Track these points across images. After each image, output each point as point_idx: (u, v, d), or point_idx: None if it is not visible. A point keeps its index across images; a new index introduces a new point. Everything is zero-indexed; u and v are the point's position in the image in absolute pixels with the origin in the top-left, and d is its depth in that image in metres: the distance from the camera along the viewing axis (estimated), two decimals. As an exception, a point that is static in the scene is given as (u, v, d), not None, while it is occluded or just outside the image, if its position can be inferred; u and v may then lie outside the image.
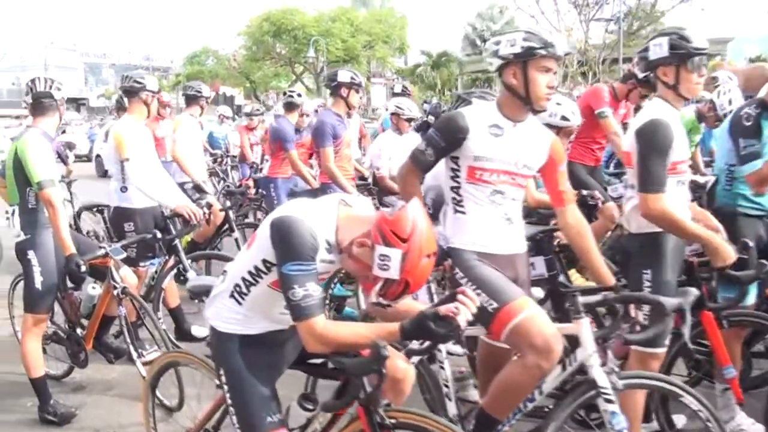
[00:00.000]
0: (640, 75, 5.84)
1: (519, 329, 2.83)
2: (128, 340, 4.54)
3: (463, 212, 3.11)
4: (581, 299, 2.87)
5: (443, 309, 2.25)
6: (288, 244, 2.29)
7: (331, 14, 41.99)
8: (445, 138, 3.07)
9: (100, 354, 4.78)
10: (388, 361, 2.29)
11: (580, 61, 29.62)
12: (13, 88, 64.57)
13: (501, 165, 3.06)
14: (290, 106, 7.68)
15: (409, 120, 6.69)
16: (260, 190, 7.90)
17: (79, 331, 4.70)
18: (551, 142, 3.21)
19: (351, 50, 40.75)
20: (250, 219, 8.34)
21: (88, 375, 4.93)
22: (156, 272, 5.34)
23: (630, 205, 3.43)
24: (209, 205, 5.48)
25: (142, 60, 65.91)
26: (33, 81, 4.43)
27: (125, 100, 5.52)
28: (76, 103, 63.98)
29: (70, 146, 27.31)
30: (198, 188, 6.51)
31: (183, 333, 5.57)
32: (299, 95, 7.84)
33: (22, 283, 4.89)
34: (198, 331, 5.60)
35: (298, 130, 7.78)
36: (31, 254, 4.29)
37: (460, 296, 2.31)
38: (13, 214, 4.33)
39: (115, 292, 4.38)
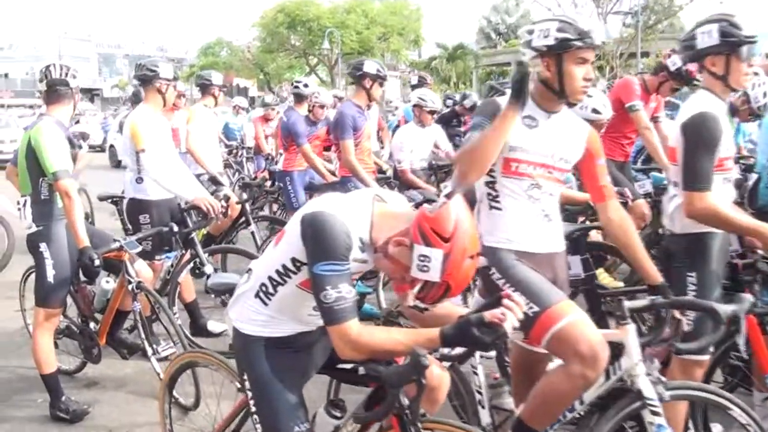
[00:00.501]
0: (672, 67, 5.66)
1: (562, 335, 2.65)
2: (143, 336, 4.39)
3: (498, 208, 2.93)
4: (628, 304, 2.68)
5: (488, 314, 2.08)
6: (320, 243, 2.13)
7: (346, 6, 41.72)
8: (491, 120, 2.87)
9: (114, 349, 4.64)
10: None
11: (597, 55, 29.21)
12: (27, 77, 64.81)
13: (537, 157, 2.89)
14: (298, 98, 7.52)
15: (432, 112, 6.50)
16: (277, 183, 7.73)
17: (92, 325, 4.56)
18: (588, 134, 3.03)
19: (366, 42, 40.49)
20: (265, 212, 8.19)
21: (100, 371, 4.79)
22: (172, 266, 5.18)
23: (674, 204, 3.25)
24: (227, 198, 5.32)
25: (156, 51, 66.00)
26: (48, 68, 4.28)
27: (142, 90, 5.37)
28: (90, 93, 64.13)
29: (83, 136, 27.35)
30: (214, 180, 6.36)
31: (198, 328, 5.43)
32: (306, 85, 7.66)
33: (33, 276, 4.79)
34: (214, 326, 5.46)
35: (314, 123, 7.60)
36: (43, 247, 4.15)
37: (505, 300, 2.14)
38: (24, 204, 4.19)
39: (129, 287, 4.23)
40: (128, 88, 59.42)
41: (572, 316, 2.68)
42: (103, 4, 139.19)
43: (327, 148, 8.09)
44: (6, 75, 62.24)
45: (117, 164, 20.22)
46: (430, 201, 5.64)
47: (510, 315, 2.08)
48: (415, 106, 6.47)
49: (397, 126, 11.09)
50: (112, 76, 70.57)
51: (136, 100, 9.10)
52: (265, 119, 10.50)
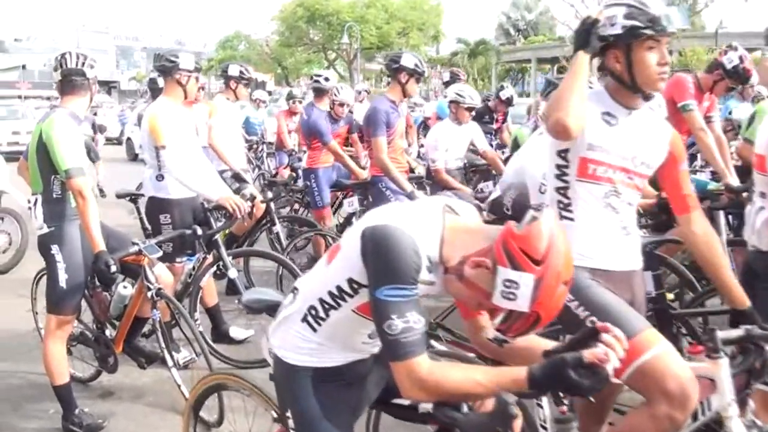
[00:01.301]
0: (729, 65, 5.29)
1: (647, 370, 2.29)
2: (162, 345, 4.07)
3: (571, 218, 2.58)
4: (721, 335, 2.33)
5: (588, 354, 1.72)
6: (385, 263, 1.79)
7: (366, 0, 41.39)
8: None
9: (131, 358, 4.32)
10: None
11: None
12: (45, 69, 64.90)
13: (617, 159, 2.55)
14: (319, 92, 7.13)
15: (470, 109, 6.14)
16: (303, 181, 7.39)
17: (108, 332, 4.24)
18: (671, 136, 2.68)
19: (385, 37, 40.22)
20: (285, 211, 7.85)
21: (117, 380, 4.47)
22: (193, 269, 4.86)
23: (761, 217, 2.90)
24: (253, 197, 4.99)
25: (174, 44, 66.03)
26: (63, 56, 3.97)
27: (159, 81, 5.06)
28: (108, 86, 64.22)
29: (101, 129, 27.42)
30: (237, 177, 6.04)
31: (220, 334, 5.11)
32: (326, 79, 7.26)
33: (45, 279, 4.51)
34: (237, 332, 5.16)
35: (335, 120, 7.23)
36: (55, 249, 3.83)
37: (605, 336, 1.78)
38: (35, 204, 3.87)
39: (149, 294, 3.91)
40: (146, 80, 59.67)
41: (658, 348, 2.32)
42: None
43: (345, 145, 7.75)
44: (24, 66, 62.26)
45: (134, 157, 20.09)
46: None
47: (612, 354, 1.74)
48: (451, 102, 6.10)
49: (423, 123, 10.77)
50: (129, 68, 70.58)
51: (153, 92, 8.81)
52: (291, 113, 10.06)
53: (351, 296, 1.94)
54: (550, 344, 1.97)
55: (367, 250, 1.83)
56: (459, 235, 1.87)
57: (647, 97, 2.57)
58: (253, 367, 4.70)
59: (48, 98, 50.26)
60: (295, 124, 9.90)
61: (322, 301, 2.01)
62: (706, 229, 2.66)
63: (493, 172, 6.65)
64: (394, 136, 5.39)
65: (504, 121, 9.62)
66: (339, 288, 1.95)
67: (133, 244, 3.87)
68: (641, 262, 2.72)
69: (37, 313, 4.83)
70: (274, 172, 10.09)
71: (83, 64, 3.94)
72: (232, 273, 4.63)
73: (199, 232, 4.38)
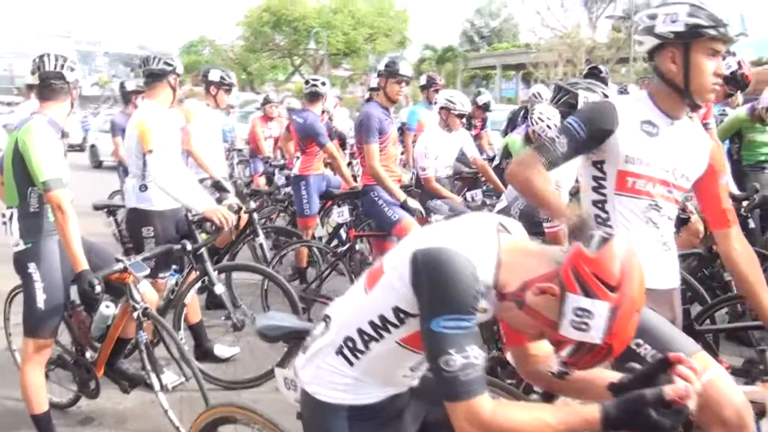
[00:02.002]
0: (727, 71, 5.18)
1: (703, 397, 2.12)
2: (148, 367, 3.80)
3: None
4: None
5: (670, 390, 1.54)
6: (442, 290, 1.58)
7: (333, 6, 41.16)
8: (588, 128, 2.39)
9: (113, 381, 4.04)
10: None
11: (587, 60, 29.02)
12: (5, 74, 63.49)
13: (657, 172, 2.41)
14: (314, 96, 6.87)
15: (461, 115, 5.95)
16: (286, 189, 7.12)
17: (88, 354, 3.97)
18: (712, 147, 2.54)
19: (352, 43, 40.01)
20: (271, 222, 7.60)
21: (97, 405, 4.18)
22: (176, 284, 4.59)
23: None
24: (240, 209, 4.75)
25: (137, 49, 64.84)
26: (41, 58, 3.70)
27: (128, 85, 4.80)
28: (69, 91, 62.88)
29: (63, 135, 26.26)
30: (218, 186, 5.78)
31: (204, 352, 4.85)
32: (323, 83, 7.03)
33: (20, 297, 4.20)
34: (221, 350, 4.91)
35: None
36: (32, 267, 3.56)
37: (680, 368, 1.60)
38: (10, 218, 3.59)
39: (134, 314, 3.64)
40: (109, 85, 58.61)
41: (711, 372, 2.16)
42: (84, 0, 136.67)
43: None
44: (-18, 71, 61.09)
45: (98, 164, 19.61)
46: (458, 213, 5.16)
47: (691, 389, 1.56)
48: (442, 108, 5.91)
49: (400, 129, 10.55)
50: (91, 74, 69.26)
51: (124, 95, 8.50)
52: (267, 119, 9.71)
53: (396, 327, 1.73)
54: (611, 375, 1.78)
55: (419, 276, 1.62)
56: (518, 258, 1.67)
57: (694, 107, 2.43)
58: (244, 388, 4.49)
59: (9, 104, 49.20)
60: (270, 131, 9.62)
61: (361, 332, 1.79)
62: (744, 244, 2.52)
63: (483, 180, 6.49)
64: (387, 144, 5.20)
65: (483, 127, 9.46)
66: (382, 318, 1.74)
67: (117, 261, 3.60)
68: (679, 278, 2.56)
69: (10, 334, 4.53)
70: (248, 180, 9.78)
71: (62, 66, 3.67)
72: (219, 289, 4.37)
73: (189, 247, 4.13)
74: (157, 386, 3.79)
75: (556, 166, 2.50)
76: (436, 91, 8.18)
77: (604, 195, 2.43)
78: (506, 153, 6.27)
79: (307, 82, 6.99)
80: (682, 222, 4.50)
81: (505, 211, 3.89)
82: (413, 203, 5.05)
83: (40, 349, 3.63)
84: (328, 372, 1.86)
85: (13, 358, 4.49)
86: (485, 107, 9.01)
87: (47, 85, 3.67)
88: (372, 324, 1.77)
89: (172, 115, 4.76)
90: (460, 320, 1.57)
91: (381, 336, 1.76)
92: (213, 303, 5.25)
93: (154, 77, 4.62)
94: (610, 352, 1.58)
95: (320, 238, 6.66)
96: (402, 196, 5.06)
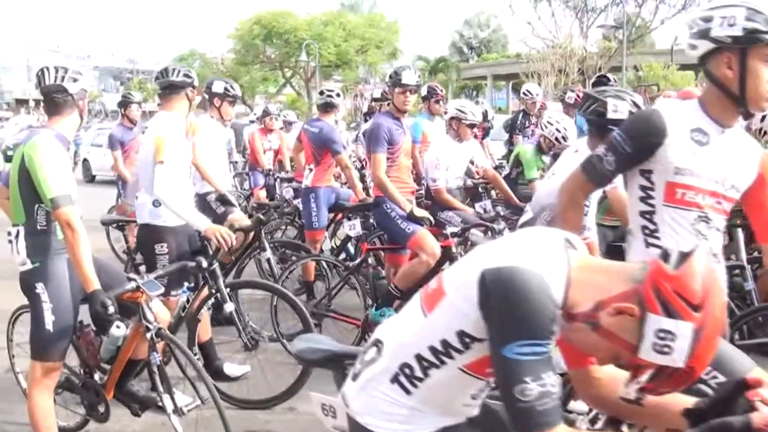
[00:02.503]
0: None
1: None
2: (161, 389, 3.65)
3: (658, 245, 2.30)
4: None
5: (758, 418, 1.42)
6: (516, 314, 1.46)
7: (324, 18, 41.15)
8: (634, 142, 2.30)
9: (123, 404, 3.89)
10: None
11: (579, 69, 29.09)
12: (-6, 88, 63.32)
13: (707, 183, 2.31)
14: (328, 107, 6.73)
15: (472, 125, 5.84)
16: (295, 201, 6.97)
17: (97, 376, 3.81)
18: (762, 156, 2.43)
19: (343, 55, 39.98)
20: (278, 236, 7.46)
21: (107, 428, 4.00)
22: (187, 301, 4.43)
23: None
24: (241, 229, 4.62)
25: (126, 62, 64.69)
26: (41, 72, 3.55)
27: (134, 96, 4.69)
28: (58, 105, 62.54)
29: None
30: (223, 200, 5.65)
31: (213, 371, 4.68)
32: (338, 94, 6.91)
33: (25, 317, 4.03)
34: (232, 369, 4.76)
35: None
36: (40, 287, 3.41)
37: (762, 391, 1.49)
38: (17, 236, 3.44)
39: (148, 335, 3.49)
40: (99, 99, 58.36)
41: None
42: (72, 14, 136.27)
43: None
44: (-29, 85, 60.89)
45: (91, 179, 19.46)
46: (471, 225, 5.04)
47: None
48: (452, 118, 5.79)
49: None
50: (80, 88, 68.81)
51: (125, 109, 8.38)
52: (267, 131, 9.53)
53: (460, 352, 1.60)
54: (685, 400, 1.66)
55: (489, 298, 1.50)
56: (590, 276, 1.55)
57: (747, 116, 2.32)
58: (257, 408, 4.35)
59: (-1, 119, 48.94)
60: (270, 143, 9.48)
61: (420, 358, 1.66)
62: None
63: (493, 191, 6.39)
64: (399, 154, 5.10)
65: (484, 137, 9.37)
66: (445, 343, 1.61)
67: (130, 279, 3.46)
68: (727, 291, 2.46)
69: (14, 356, 4.36)
70: (247, 193, 9.64)
71: (63, 78, 3.52)
72: (229, 306, 4.22)
73: (204, 264, 3.97)
74: (170, 409, 3.65)
75: (605, 183, 2.43)
76: (438, 101, 8.08)
77: (652, 206, 2.33)
78: (516, 162, 6.17)
79: (321, 93, 6.86)
80: None
81: (530, 224, 3.77)
82: (419, 212, 4.95)
83: (48, 372, 3.47)
84: (383, 401, 1.73)
85: (16, 381, 4.33)
86: (484, 117, 8.92)
87: (50, 99, 3.53)
88: (432, 349, 1.64)
89: (184, 130, 4.65)
90: (536, 345, 1.46)
91: (442, 362, 1.64)
92: (216, 320, 5.10)
93: (172, 89, 4.51)
94: (692, 376, 1.47)
95: (330, 250, 6.53)
96: (407, 206, 4.96)
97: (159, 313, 3.65)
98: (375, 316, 4.94)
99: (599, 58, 30.36)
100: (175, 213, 4.26)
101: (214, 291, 4.23)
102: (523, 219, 3.90)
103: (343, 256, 6.33)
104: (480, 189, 6.83)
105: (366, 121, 8.47)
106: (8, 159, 26.30)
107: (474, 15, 57.85)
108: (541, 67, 28.78)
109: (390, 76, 5.09)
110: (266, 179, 9.12)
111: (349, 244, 6.99)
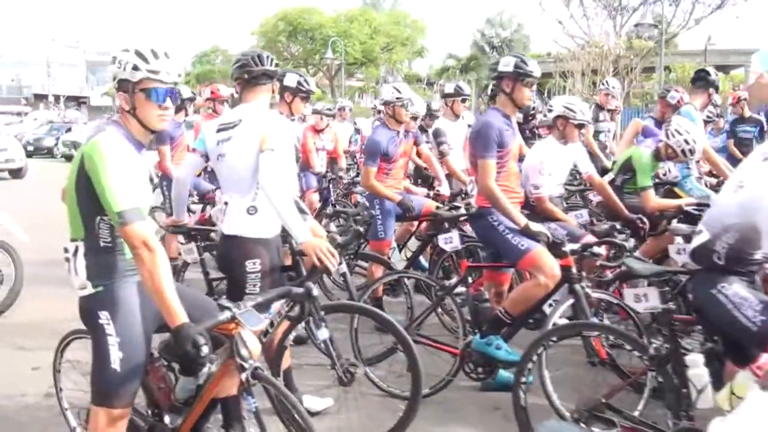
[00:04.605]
0: None
1: None
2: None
3: None
4: None
5: None
6: None
7: (349, 15, 40.43)
8: None
9: (197, 453, 3.21)
10: None
11: (615, 69, 28.23)
12: (13, 84, 62.97)
13: None
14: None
15: (581, 126, 5.10)
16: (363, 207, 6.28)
17: (168, 419, 3.15)
18: None
19: (369, 52, 39.27)
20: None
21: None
22: (270, 324, 3.70)
23: None
24: (340, 245, 3.90)
25: (146, 58, 63.99)
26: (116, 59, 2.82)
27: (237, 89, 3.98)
28: (77, 101, 62.44)
29: (75, 146, 26.01)
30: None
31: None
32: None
33: (76, 344, 3.47)
34: (312, 402, 4.11)
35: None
36: (104, 317, 2.75)
37: None
38: (75, 253, 2.79)
39: (243, 376, 2.78)
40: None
41: None
42: (92, 10, 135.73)
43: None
44: (-10, 81, 60.81)
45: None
46: (599, 242, 4.31)
47: None
48: (558, 117, 5.05)
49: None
50: (100, 84, 68.50)
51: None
52: (316, 130, 8.83)
53: None
54: None
55: None
56: None
57: None
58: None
59: (18, 114, 48.48)
60: (322, 142, 8.78)
61: None
62: None
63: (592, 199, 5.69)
64: (508, 158, 4.40)
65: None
66: None
67: (222, 307, 2.75)
68: None
69: (61, 390, 3.69)
70: (299, 196, 8.97)
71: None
72: (324, 334, 3.51)
73: (315, 293, 3.22)
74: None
75: None
76: (464, 101, 7.41)
77: None
78: (626, 167, 5.42)
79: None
80: None
81: (707, 247, 3.06)
82: (536, 227, 4.21)
83: (114, 421, 2.79)
84: None
85: (65, 420, 3.65)
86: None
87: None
88: None
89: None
90: None
91: None
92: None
93: (265, 78, 3.87)
94: None
95: (407, 267, 5.85)
96: (522, 220, 4.23)
97: (252, 346, 2.96)
98: (480, 345, 4.24)
99: (635, 57, 29.46)
100: (278, 212, 3.51)
101: (309, 314, 3.52)
102: (697, 241, 3.17)
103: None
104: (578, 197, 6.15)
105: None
106: (29, 155, 25.79)
107: (496, 14, 57.00)
108: (575, 66, 27.93)
109: (515, 66, 4.34)
110: (320, 182, 8.45)
111: (421, 258, 6.30)
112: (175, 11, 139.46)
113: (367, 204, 5.81)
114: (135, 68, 2.73)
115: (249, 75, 3.86)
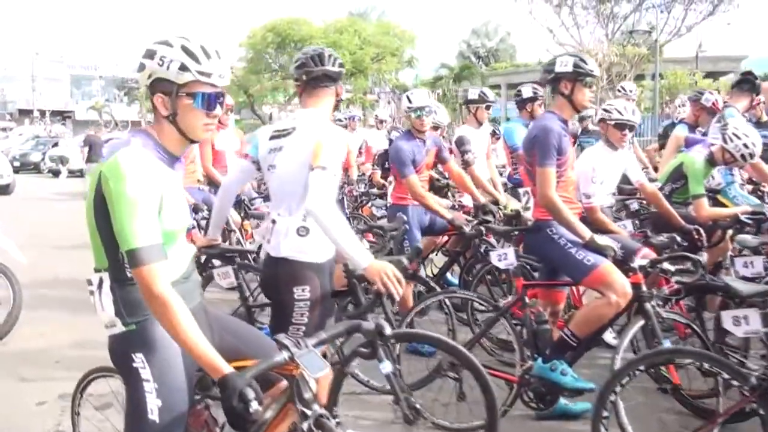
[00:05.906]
0: None
1: None
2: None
3: None
4: None
5: None
6: None
7: (338, 26, 40.03)
8: None
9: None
10: None
11: (608, 77, 28.12)
12: (-3, 98, 62.30)
13: None
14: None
15: (621, 126, 4.72)
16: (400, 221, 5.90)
17: (209, 470, 2.73)
18: None
19: (359, 63, 38.79)
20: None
21: None
22: (324, 356, 3.30)
23: None
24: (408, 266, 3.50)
25: (132, 72, 63.52)
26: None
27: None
28: (62, 115, 61.76)
29: (62, 160, 25.70)
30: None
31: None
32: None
33: (98, 382, 3.09)
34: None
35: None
36: (138, 360, 2.35)
37: None
38: (99, 286, 2.38)
39: (305, 425, 2.36)
40: (106, 109, 57.29)
41: None
42: (77, 24, 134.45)
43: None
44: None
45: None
46: (669, 257, 3.92)
47: None
48: (602, 121, 4.72)
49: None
50: (84, 98, 67.84)
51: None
52: None
53: None
54: None
55: None
56: None
57: None
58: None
59: (3, 129, 47.70)
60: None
61: None
62: None
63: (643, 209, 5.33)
64: (566, 167, 4.02)
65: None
66: None
67: (280, 345, 2.33)
68: None
69: (80, 433, 3.27)
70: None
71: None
72: (387, 367, 3.08)
73: (388, 331, 2.73)
74: None
75: None
76: (488, 107, 7.08)
77: None
78: (677, 175, 5.07)
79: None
80: None
81: None
82: (603, 240, 3.84)
83: (154, 477, 2.38)
84: None
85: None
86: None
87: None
88: None
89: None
90: None
91: None
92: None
93: (325, 81, 3.46)
94: None
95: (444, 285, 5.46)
96: (587, 232, 3.86)
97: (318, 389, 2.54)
98: (543, 371, 3.84)
99: (627, 64, 29.38)
100: (331, 237, 3.09)
101: (377, 343, 3.09)
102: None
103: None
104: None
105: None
106: (16, 170, 25.27)
107: (481, 24, 57.17)
108: (566, 74, 27.79)
109: (574, 65, 3.98)
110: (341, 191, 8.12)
111: (449, 274, 5.91)
112: (161, 23, 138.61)
113: (402, 216, 5.37)
114: (183, 68, 2.32)
115: (308, 76, 3.45)
